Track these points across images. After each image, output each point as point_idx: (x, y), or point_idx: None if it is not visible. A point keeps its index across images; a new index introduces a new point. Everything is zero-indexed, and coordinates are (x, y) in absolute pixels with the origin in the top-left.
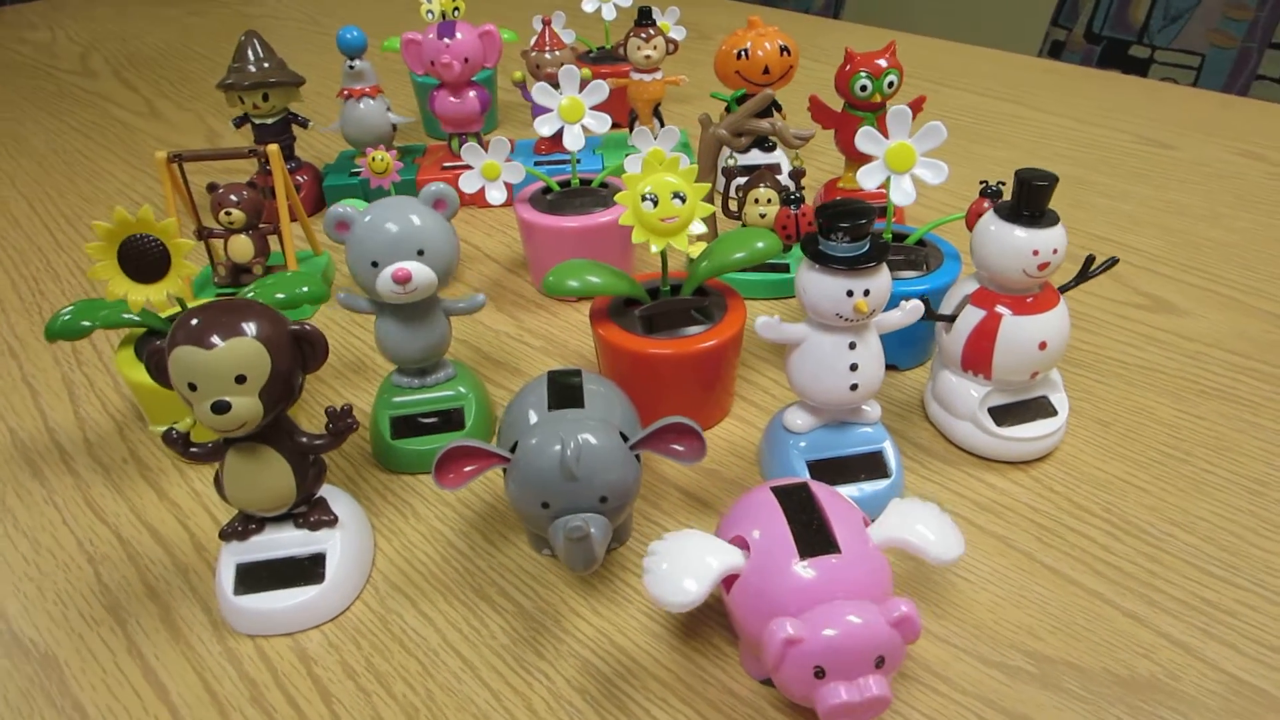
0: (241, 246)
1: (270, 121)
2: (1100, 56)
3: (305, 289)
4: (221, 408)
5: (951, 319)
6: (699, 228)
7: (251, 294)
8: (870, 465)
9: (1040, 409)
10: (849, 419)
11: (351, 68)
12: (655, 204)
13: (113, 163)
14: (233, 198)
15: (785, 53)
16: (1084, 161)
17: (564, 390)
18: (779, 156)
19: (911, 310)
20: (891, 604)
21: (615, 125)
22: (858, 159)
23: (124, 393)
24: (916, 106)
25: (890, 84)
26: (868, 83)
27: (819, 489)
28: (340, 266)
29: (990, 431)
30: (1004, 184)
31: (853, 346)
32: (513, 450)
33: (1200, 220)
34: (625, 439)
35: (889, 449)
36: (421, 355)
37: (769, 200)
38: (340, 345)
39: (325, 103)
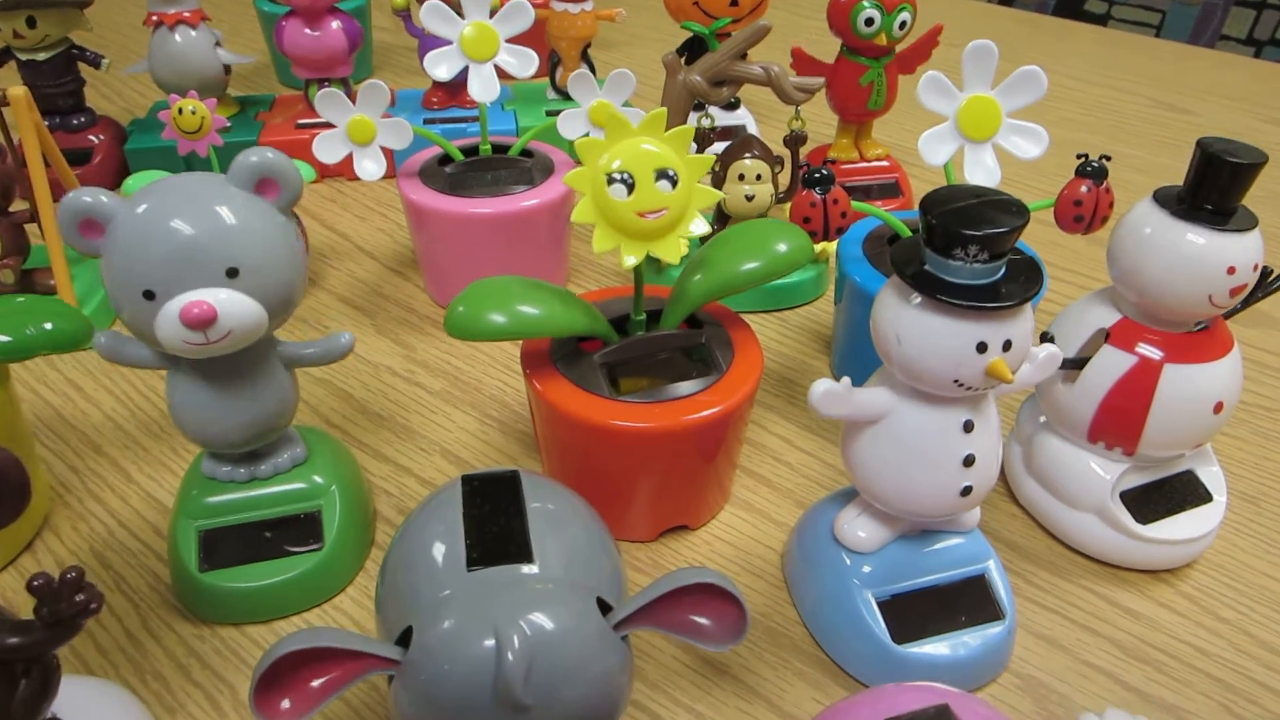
0: None
1: (42, 58)
2: (1054, 9)
3: (49, 325)
4: None
5: (1082, 364)
6: (700, 226)
7: None
8: (973, 599)
9: (1190, 492)
10: (935, 526)
11: None
12: (630, 189)
13: None
14: None
15: None
16: (1099, 128)
17: (492, 525)
18: (744, 116)
19: (1046, 362)
20: None
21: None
22: (856, 118)
23: None
24: (929, 41)
25: (903, 24)
26: (875, 14)
27: (968, 711)
28: None
29: (1128, 531)
30: (1108, 158)
31: (969, 428)
32: (403, 643)
33: (1258, 204)
34: (606, 608)
35: (994, 571)
36: (246, 435)
37: (758, 176)
38: (121, 396)
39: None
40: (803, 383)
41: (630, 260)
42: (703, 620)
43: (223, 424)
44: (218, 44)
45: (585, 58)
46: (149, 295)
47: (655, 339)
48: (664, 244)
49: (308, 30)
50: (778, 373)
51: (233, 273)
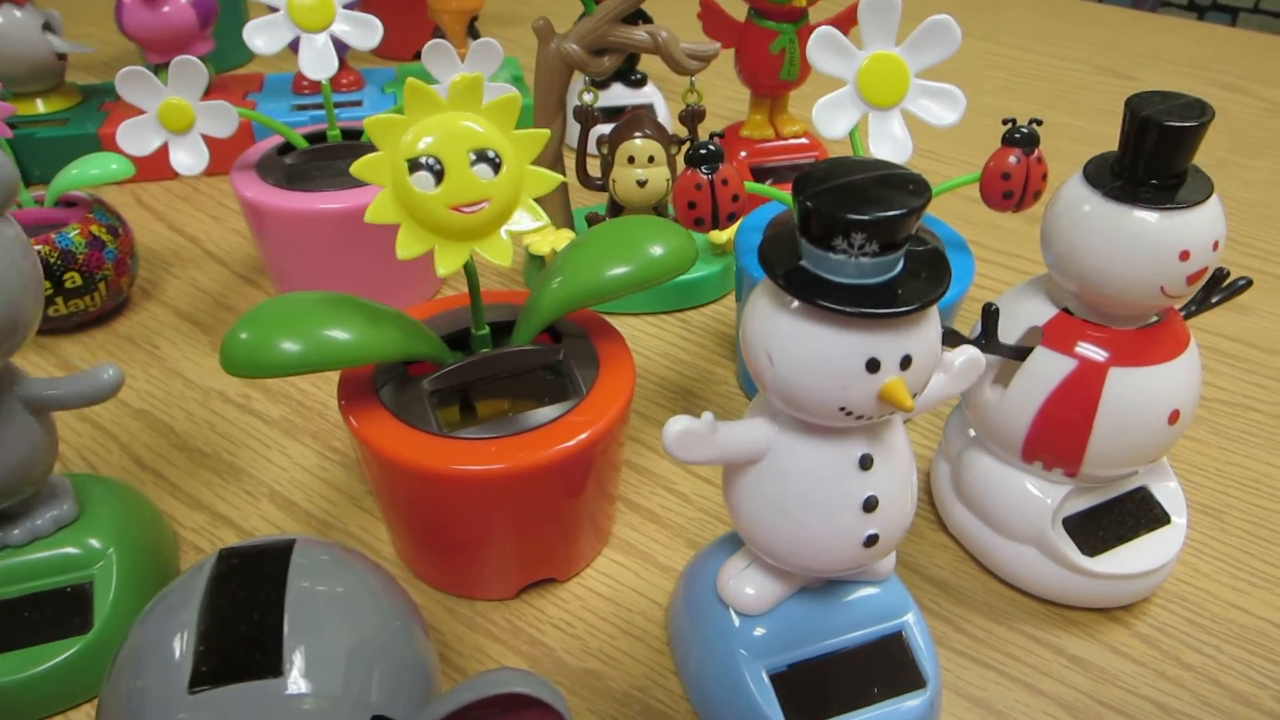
0: None
1: None
2: None
3: None
4: None
5: (1024, 354)
6: (524, 220)
7: None
8: (889, 665)
9: (1144, 514)
10: (841, 577)
11: None
12: (439, 177)
13: None
14: None
15: None
16: (1037, 97)
17: (239, 624)
18: (652, 94)
19: (966, 369)
20: None
21: (417, 55)
22: (769, 91)
23: None
24: (850, 17)
25: None
26: None
27: None
28: None
29: (1072, 565)
30: (1038, 122)
31: (867, 465)
32: None
33: (1209, 172)
34: None
35: (914, 627)
36: None
37: (650, 158)
38: None
39: None
40: (704, 394)
41: (441, 269)
42: None
43: None
44: (47, 26)
45: (472, 33)
46: None
47: (498, 358)
48: (490, 243)
49: (150, 8)
50: (676, 382)
51: None
